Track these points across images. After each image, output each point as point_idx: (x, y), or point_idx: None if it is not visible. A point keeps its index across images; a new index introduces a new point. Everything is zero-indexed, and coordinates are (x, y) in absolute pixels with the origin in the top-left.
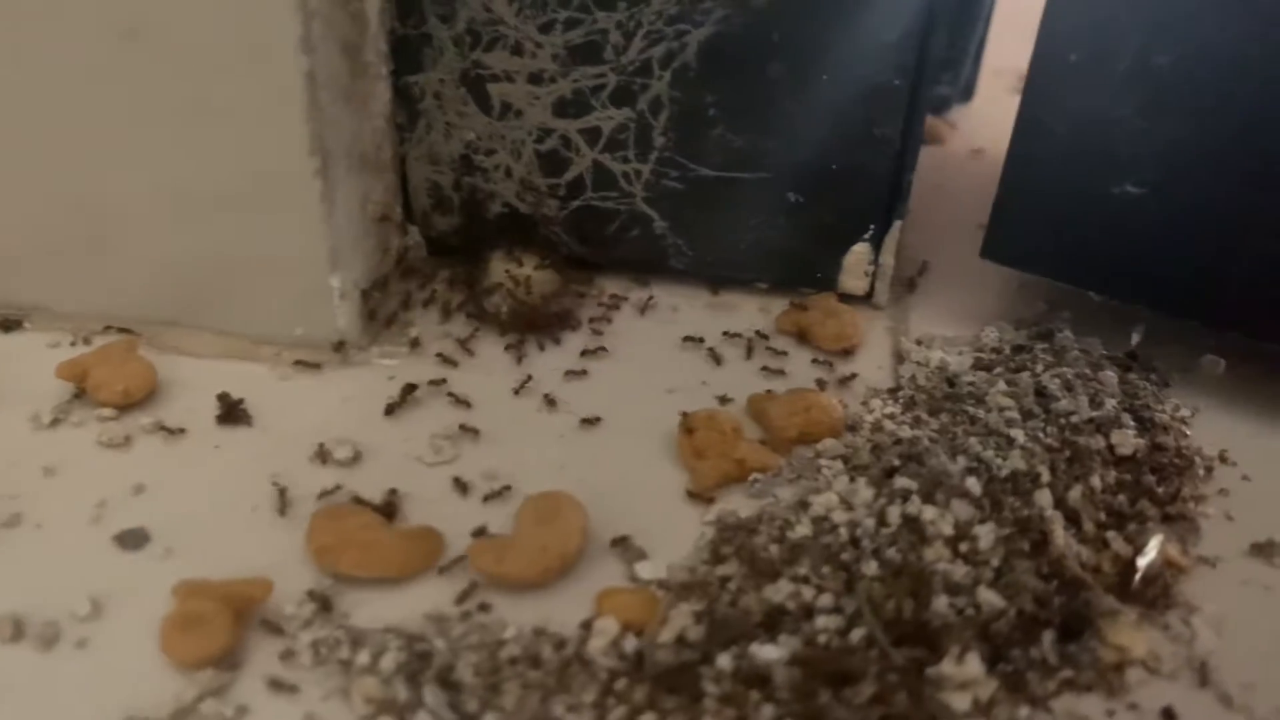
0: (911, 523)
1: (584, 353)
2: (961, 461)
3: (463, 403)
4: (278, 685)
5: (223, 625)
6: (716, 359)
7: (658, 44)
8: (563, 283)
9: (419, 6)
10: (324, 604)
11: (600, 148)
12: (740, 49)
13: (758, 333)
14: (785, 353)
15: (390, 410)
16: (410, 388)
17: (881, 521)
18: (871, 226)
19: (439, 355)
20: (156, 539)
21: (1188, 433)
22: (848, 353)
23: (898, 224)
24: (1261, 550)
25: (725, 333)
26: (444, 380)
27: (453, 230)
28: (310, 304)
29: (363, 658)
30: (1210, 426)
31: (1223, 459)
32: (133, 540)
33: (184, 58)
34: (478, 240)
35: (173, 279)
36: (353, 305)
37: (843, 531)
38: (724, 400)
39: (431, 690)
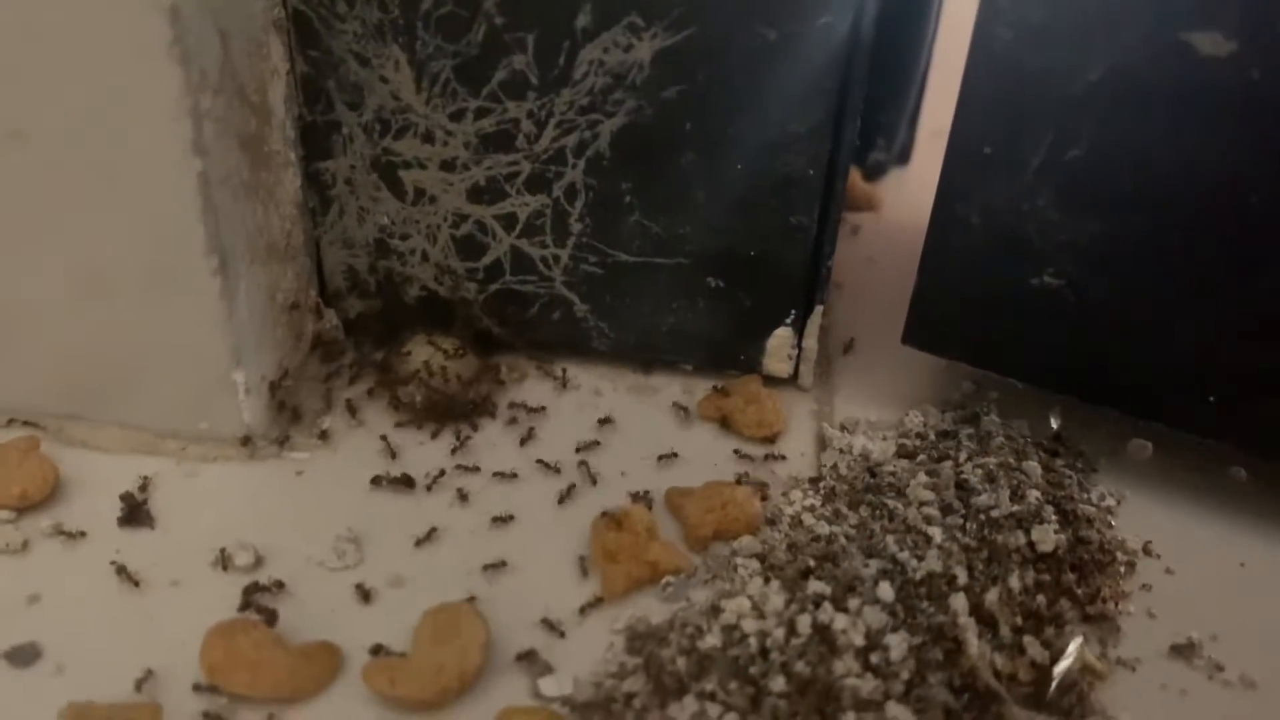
0: (823, 632)
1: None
2: (875, 565)
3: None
4: None
5: None
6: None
7: (570, 133)
8: (481, 368)
9: (326, 94)
10: None
11: (517, 233)
12: (653, 138)
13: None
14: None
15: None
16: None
17: (792, 631)
18: (793, 312)
19: (352, 447)
20: (48, 654)
21: (1113, 523)
22: (770, 440)
23: (819, 309)
24: (1181, 652)
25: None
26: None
27: (370, 313)
28: (215, 398)
29: None
30: (1136, 515)
31: (1147, 551)
32: (23, 657)
33: (73, 159)
34: (396, 322)
35: (76, 373)
36: (259, 399)
37: (752, 642)
38: (637, 496)
39: None
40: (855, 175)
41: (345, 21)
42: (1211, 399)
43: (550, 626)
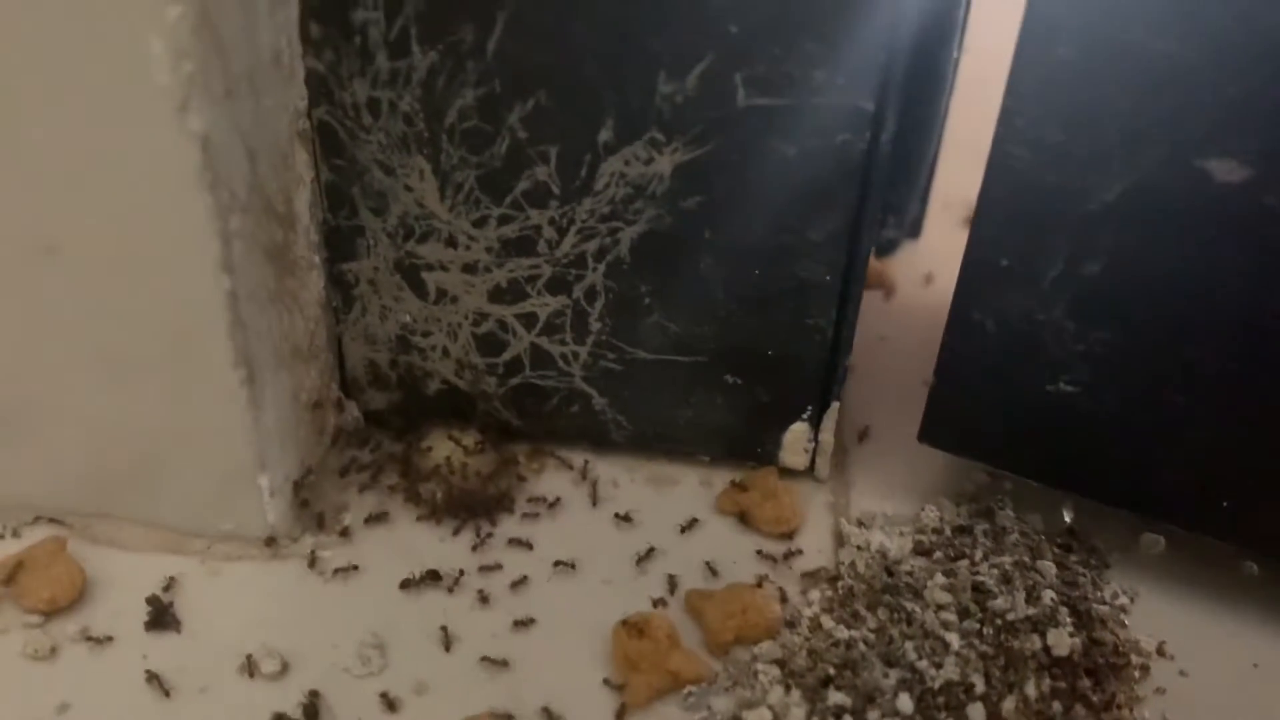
0: None
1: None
2: (895, 675)
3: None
4: None
5: None
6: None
7: (591, 239)
8: (500, 463)
9: (350, 200)
10: None
11: (537, 331)
12: (672, 245)
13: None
14: None
15: (406, 585)
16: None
17: None
18: (809, 407)
19: (373, 545)
20: None
21: (1126, 623)
22: (788, 536)
23: (835, 405)
24: None
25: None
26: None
27: (391, 406)
28: (240, 500)
29: None
30: (1149, 613)
31: (1160, 652)
32: None
33: (104, 275)
34: (416, 414)
35: (104, 474)
36: (283, 500)
37: None
38: (658, 602)
39: None
40: None
41: (370, 133)
42: (1224, 504)
43: None
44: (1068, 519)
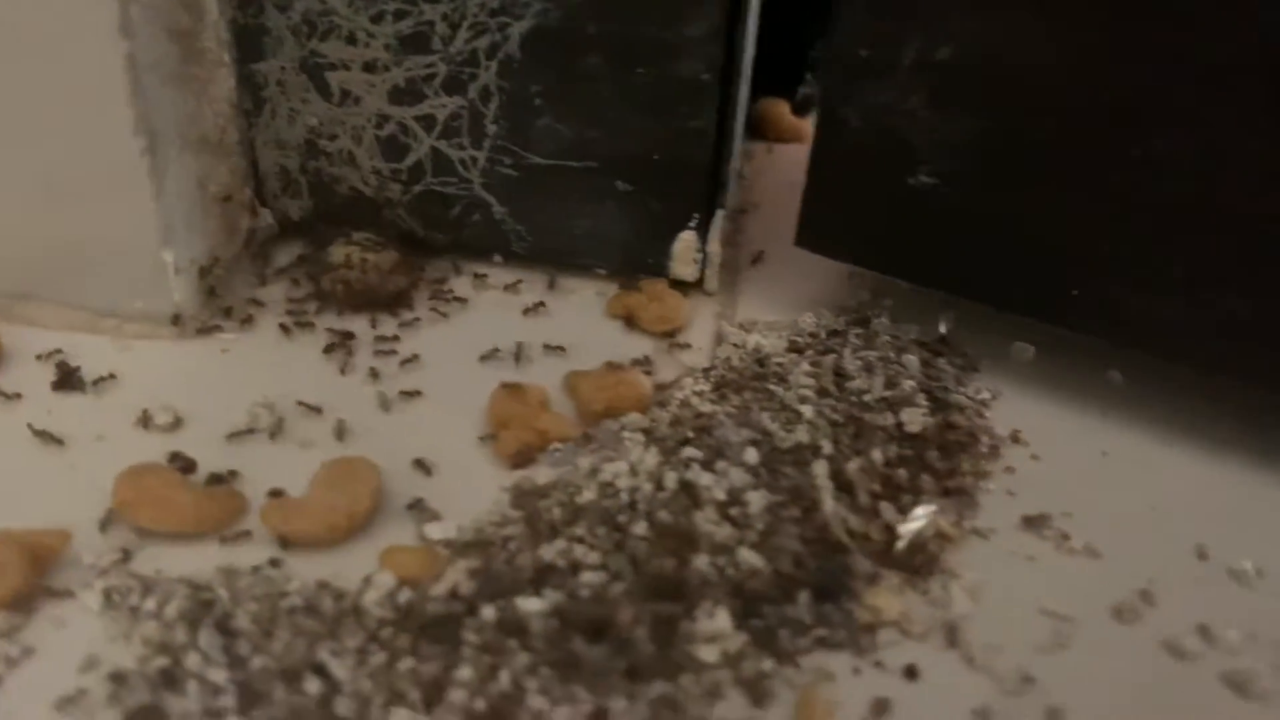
0: (688, 488)
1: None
2: (745, 434)
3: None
4: (64, 627)
5: (17, 570)
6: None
7: (482, 35)
8: (400, 262)
9: None
10: (123, 555)
11: (436, 134)
12: (559, 41)
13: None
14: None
15: (329, 349)
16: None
17: (659, 486)
18: (696, 215)
19: (282, 327)
20: None
21: (986, 414)
22: (670, 335)
23: (720, 213)
24: (1032, 523)
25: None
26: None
27: (303, 214)
28: (148, 279)
29: (149, 604)
30: (1011, 409)
31: (1015, 439)
32: None
33: (7, 46)
34: (327, 221)
35: (16, 254)
36: (189, 281)
37: (623, 495)
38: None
39: (207, 634)
40: (784, 109)
41: None
42: (1074, 292)
43: (428, 469)
44: (943, 329)
